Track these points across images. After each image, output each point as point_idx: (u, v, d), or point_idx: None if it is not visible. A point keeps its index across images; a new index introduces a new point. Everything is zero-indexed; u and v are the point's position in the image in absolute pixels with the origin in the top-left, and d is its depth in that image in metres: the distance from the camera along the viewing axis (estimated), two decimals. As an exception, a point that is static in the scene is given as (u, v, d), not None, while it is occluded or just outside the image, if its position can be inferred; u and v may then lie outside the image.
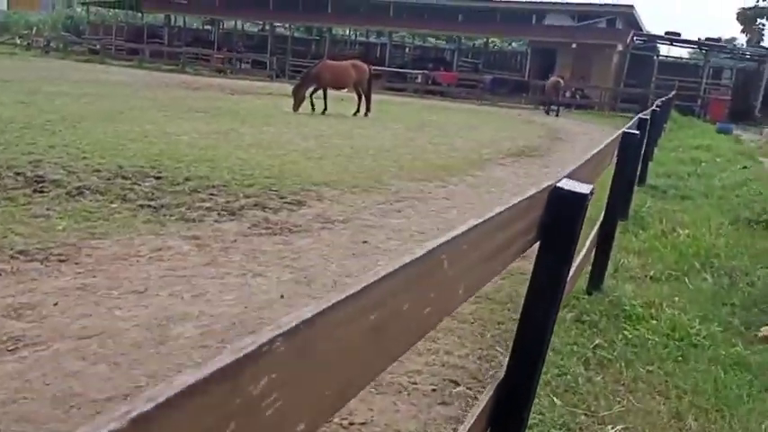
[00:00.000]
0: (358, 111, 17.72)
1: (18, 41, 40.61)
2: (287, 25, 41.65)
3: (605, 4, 31.85)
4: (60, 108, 12.67)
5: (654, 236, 6.25)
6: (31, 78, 19.08)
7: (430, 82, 32.81)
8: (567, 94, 29.76)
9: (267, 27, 40.69)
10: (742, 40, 40.18)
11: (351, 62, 18.83)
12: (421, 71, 32.81)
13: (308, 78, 17.22)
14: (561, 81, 26.08)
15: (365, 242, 5.57)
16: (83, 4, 43.44)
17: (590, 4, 32.14)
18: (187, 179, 7.48)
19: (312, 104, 17.12)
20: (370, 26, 39.45)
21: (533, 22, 33.14)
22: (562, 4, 32.70)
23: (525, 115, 24.14)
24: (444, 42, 44.29)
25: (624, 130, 6.99)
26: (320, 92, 17.33)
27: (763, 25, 39.18)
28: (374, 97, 28.48)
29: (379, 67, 34.36)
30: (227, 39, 41.04)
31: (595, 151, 3.36)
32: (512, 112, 25.46)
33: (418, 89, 32.12)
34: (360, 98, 17.87)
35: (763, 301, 4.27)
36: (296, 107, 16.68)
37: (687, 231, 6.39)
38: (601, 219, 4.61)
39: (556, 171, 8.89)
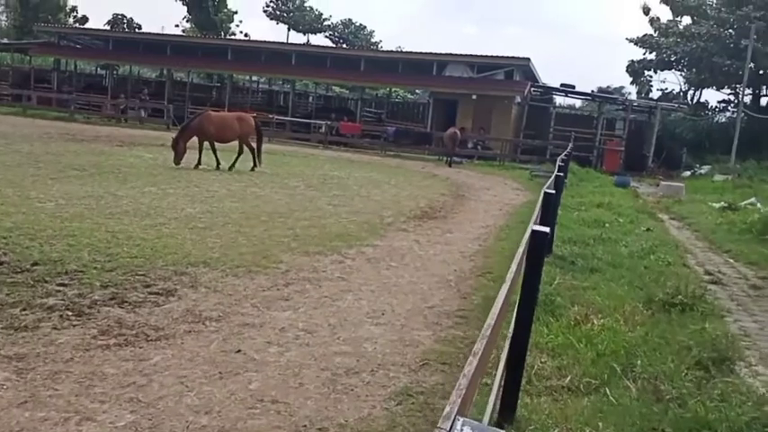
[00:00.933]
0: (255, 166, 16.81)
1: None
2: (186, 71, 40.30)
3: (503, 57, 32.72)
4: None
5: (567, 326, 5.69)
6: None
7: (334, 132, 32.33)
8: (470, 145, 30.07)
9: (165, 73, 39.17)
10: (632, 90, 42.42)
11: (236, 114, 17.93)
12: (324, 121, 32.29)
13: (187, 130, 16.14)
14: (458, 132, 26.29)
15: (239, 351, 4.65)
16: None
17: (489, 56, 32.92)
18: (36, 263, 6.33)
19: (199, 159, 16.11)
20: (271, 74, 38.75)
21: (434, 72, 33.52)
22: (462, 55, 33.31)
23: (429, 168, 23.97)
24: (348, 92, 44.26)
25: (545, 190, 6.55)
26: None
27: (651, 77, 41.51)
28: (278, 148, 27.90)
29: (283, 117, 33.73)
30: (122, 84, 39.12)
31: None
32: (415, 164, 25.27)
33: (322, 140, 31.54)
34: (252, 152, 16.98)
35: (696, 427, 3.70)
36: (177, 160, 15.64)
37: (602, 320, 5.88)
38: (511, 330, 3.92)
39: (458, 237, 8.28)
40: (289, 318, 5.50)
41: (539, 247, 3.67)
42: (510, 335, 3.73)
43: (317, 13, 66.50)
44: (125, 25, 58.53)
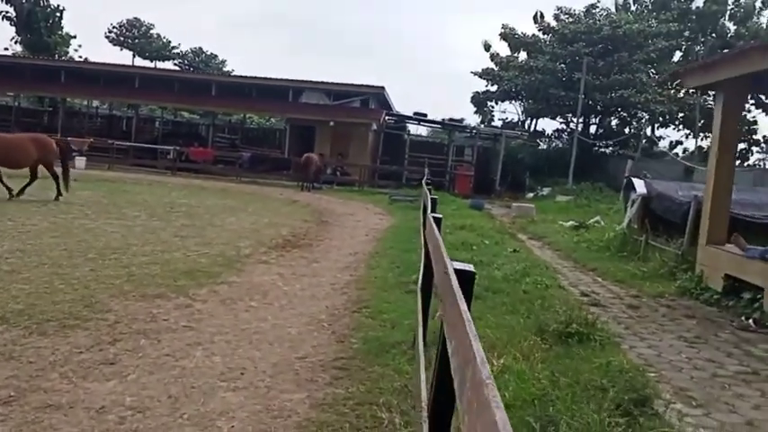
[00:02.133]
0: (59, 195, 14.32)
1: None
2: (11, 94, 36.14)
3: (359, 85, 32.50)
4: None
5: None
6: None
7: (183, 158, 30.22)
8: (329, 171, 29.30)
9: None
10: (476, 120, 43.93)
11: (30, 136, 15.21)
12: (172, 147, 30.09)
13: None
14: (314, 157, 25.58)
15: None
16: None
17: (345, 83, 32.54)
18: None
19: (7, 188, 13.70)
20: (112, 98, 35.79)
21: (290, 99, 32.49)
22: (318, 82, 32.60)
23: (288, 194, 22.76)
24: (199, 117, 42.01)
25: (432, 214, 5.66)
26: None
27: (493, 107, 43.32)
28: (119, 175, 25.37)
29: (125, 143, 31.07)
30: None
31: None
32: (274, 191, 23.95)
33: (170, 166, 29.33)
34: (56, 179, 14.39)
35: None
36: None
37: (500, 360, 5.04)
38: (431, 394, 2.89)
39: (326, 266, 7.20)
40: (112, 390, 4.10)
41: (466, 286, 2.69)
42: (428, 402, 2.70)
43: (164, 40, 63.14)
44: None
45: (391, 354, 5.15)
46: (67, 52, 49.91)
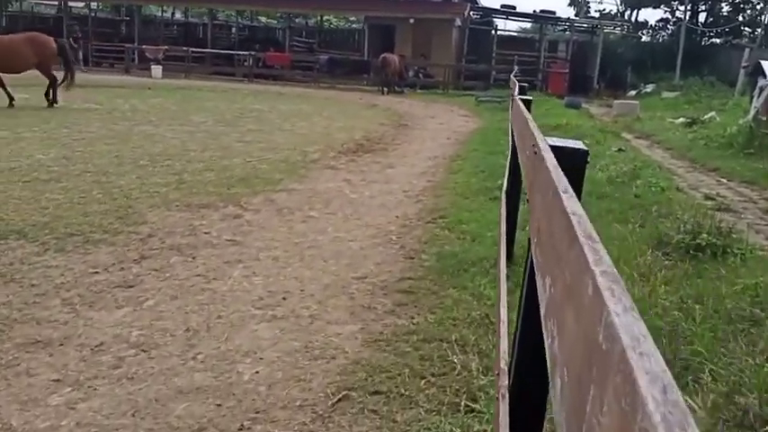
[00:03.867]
0: (53, 101, 13.15)
1: None
2: (90, 4, 36.02)
3: (440, -23, 30.10)
4: None
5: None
6: None
7: (260, 64, 29.43)
8: (411, 73, 27.70)
9: (61, 6, 34.89)
10: (569, 12, 40.46)
11: (26, 36, 13.76)
12: (249, 52, 29.29)
13: None
14: (391, 57, 24.03)
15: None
16: None
17: (425, -23, 30.21)
18: None
19: (9, 95, 12.66)
20: (186, 3, 35.04)
21: (368, -4, 30.60)
22: (397, -25, 30.42)
23: (367, 98, 21.56)
24: (276, 22, 40.80)
25: (516, 96, 4.44)
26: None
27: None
28: (195, 83, 24.89)
29: (202, 50, 30.52)
30: (13, 23, 34.68)
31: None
32: (353, 95, 22.79)
33: (247, 73, 28.64)
34: (51, 83, 13.18)
35: None
36: None
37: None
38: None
39: (401, 171, 6.14)
40: (120, 321, 3.29)
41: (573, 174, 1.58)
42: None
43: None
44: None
45: (470, 273, 4.11)
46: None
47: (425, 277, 4.12)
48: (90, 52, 30.34)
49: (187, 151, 8.63)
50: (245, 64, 29.67)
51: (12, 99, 12.63)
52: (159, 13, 39.21)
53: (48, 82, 13.22)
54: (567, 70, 29.40)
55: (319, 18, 37.12)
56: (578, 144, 1.66)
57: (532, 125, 2.23)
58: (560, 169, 1.22)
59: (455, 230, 5.26)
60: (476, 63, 29.62)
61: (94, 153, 8.10)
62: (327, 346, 3.10)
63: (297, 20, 36.64)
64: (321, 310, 3.56)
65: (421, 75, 28.69)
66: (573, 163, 1.54)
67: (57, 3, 35.63)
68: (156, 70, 27.22)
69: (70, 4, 34.72)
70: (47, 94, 13.09)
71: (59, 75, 13.48)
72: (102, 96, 16.38)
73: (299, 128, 12.14)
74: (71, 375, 2.71)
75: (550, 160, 1.35)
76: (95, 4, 35.55)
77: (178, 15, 40.68)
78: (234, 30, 37.89)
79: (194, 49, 29.97)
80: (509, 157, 5.08)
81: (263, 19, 41.50)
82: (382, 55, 24.07)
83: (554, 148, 1.54)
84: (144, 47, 29.96)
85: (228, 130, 11.05)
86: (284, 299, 3.70)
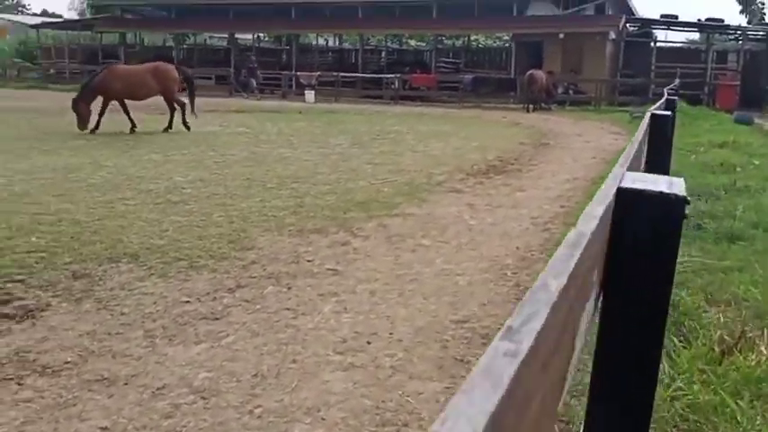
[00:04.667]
0: (169, 127, 13.62)
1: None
2: (254, 36, 38.62)
3: (593, -11, 28.73)
4: None
5: (706, 358, 3.00)
6: None
7: (407, 86, 29.75)
8: (560, 90, 26.57)
9: (229, 38, 37.67)
10: (741, 20, 36.86)
11: (150, 65, 14.57)
12: (394, 75, 29.74)
13: (89, 88, 13.23)
14: (538, 74, 23.13)
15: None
16: (32, 26, 40.34)
17: (576, -11, 29.00)
18: None
19: (97, 122, 13.09)
20: (336, 29, 36.38)
21: (514, 12, 29.89)
22: (545, -9, 29.49)
23: (512, 117, 20.87)
24: (425, 45, 41.23)
25: (652, 110, 3.80)
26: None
27: (763, 4, 35.96)
28: (343, 107, 25.62)
29: (353, 74, 31.45)
30: (191, 55, 37.95)
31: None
32: (496, 114, 22.21)
33: (393, 95, 29.04)
34: (171, 110, 13.71)
35: None
36: (81, 125, 12.83)
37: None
38: None
39: (533, 195, 5.61)
40: (192, 360, 3.11)
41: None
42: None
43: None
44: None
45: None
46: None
47: (535, 323, 3.58)
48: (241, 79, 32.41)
49: (315, 174, 8.63)
50: (392, 87, 30.15)
51: (134, 125, 13.30)
52: (315, 41, 41.09)
53: (178, 107, 13.79)
54: (738, 83, 26.70)
55: (467, 38, 36.94)
56: (674, 184, 1.12)
57: (630, 150, 1.70)
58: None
59: (580, 266, 4.63)
60: (632, 77, 27.79)
61: (229, 175, 8.32)
62: (402, 408, 2.69)
63: (445, 41, 36.73)
64: (406, 359, 3.16)
65: (571, 91, 27.44)
66: (661, 214, 1.04)
67: (226, 36, 38.50)
68: (310, 95, 28.37)
69: (237, 35, 37.40)
70: (184, 122, 13.62)
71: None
72: (255, 121, 17.20)
73: (431, 149, 11.85)
74: (120, 424, 2.54)
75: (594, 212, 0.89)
76: (260, 35, 38.03)
77: (332, 42, 42.39)
78: (383, 54, 38.74)
79: (344, 74, 30.98)
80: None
81: (413, 42, 42.09)
82: (528, 72, 23.30)
83: (626, 192, 1.04)
84: (299, 73, 31.48)
85: (360, 152, 11.01)
86: (369, 342, 3.35)
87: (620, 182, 1.06)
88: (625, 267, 1.05)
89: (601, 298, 1.06)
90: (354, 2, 33.00)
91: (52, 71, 37.54)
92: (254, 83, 30.34)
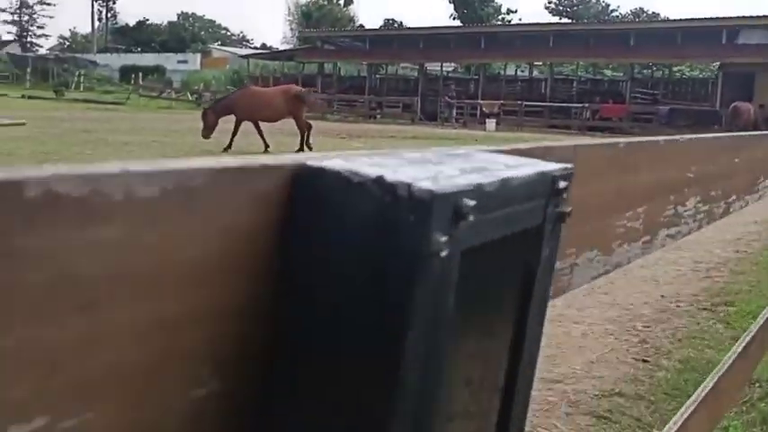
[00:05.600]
0: (300, 149, 13.48)
1: (190, 97, 42.51)
2: (447, 65, 39.32)
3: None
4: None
5: None
6: (121, 129, 17.92)
7: (596, 117, 28.27)
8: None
9: (419, 68, 38.66)
10: None
11: (281, 88, 14.87)
12: (582, 104, 28.44)
13: (221, 103, 13.95)
14: (744, 106, 20.60)
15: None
16: (242, 56, 44.63)
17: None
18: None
19: (230, 141, 13.28)
20: (527, 58, 35.60)
21: (723, 41, 27.08)
22: (759, 17, 26.34)
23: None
24: (622, 75, 39.07)
25: None
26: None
27: None
28: (523, 136, 24.85)
29: (539, 103, 30.60)
30: (382, 84, 39.61)
31: None
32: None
33: (581, 125, 27.70)
34: (302, 133, 13.72)
35: None
36: (205, 133, 13.36)
37: None
38: None
39: (707, 236, 4.72)
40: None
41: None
42: None
43: (603, 4, 60.81)
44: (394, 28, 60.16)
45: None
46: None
47: (644, 396, 2.82)
48: (439, 108, 32.87)
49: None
50: (581, 117, 28.83)
51: (267, 146, 13.49)
52: (503, 71, 40.85)
53: (304, 130, 13.87)
54: None
55: (668, 69, 34.30)
56: None
57: None
58: None
59: (733, 325, 3.69)
60: None
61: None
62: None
63: (644, 71, 34.45)
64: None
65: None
66: None
67: (417, 66, 39.64)
68: (491, 124, 28.01)
69: (427, 65, 38.34)
70: (308, 144, 13.73)
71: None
72: (426, 147, 17.16)
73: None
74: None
75: None
76: (448, 65, 38.58)
77: (522, 72, 41.79)
78: (575, 83, 37.28)
79: (528, 103, 30.22)
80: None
81: (609, 73, 40.10)
82: (733, 104, 20.91)
83: None
84: (482, 101, 31.29)
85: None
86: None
87: None
88: None
89: None
90: (546, 31, 32.26)
91: (257, 98, 41.20)
92: (454, 111, 30.82)
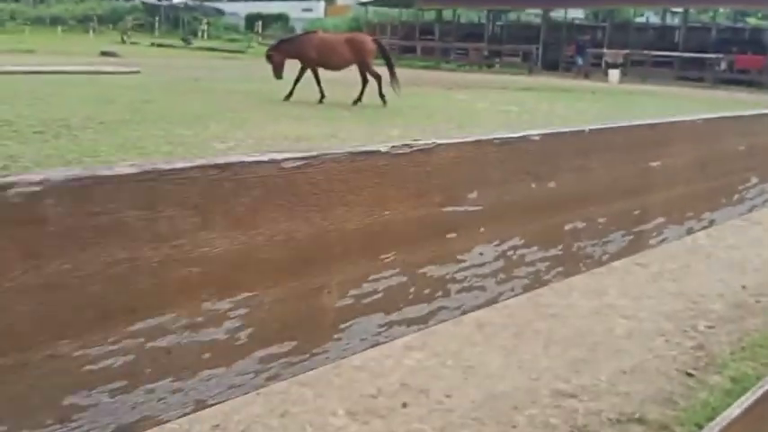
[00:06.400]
0: (359, 99, 13.00)
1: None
2: (573, 12, 37.06)
3: None
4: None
5: None
6: (217, 77, 18.32)
7: (734, 69, 25.72)
8: None
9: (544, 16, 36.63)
10: None
11: (346, 36, 14.25)
12: (718, 56, 25.90)
13: (284, 45, 13.48)
14: None
15: None
16: (360, 4, 44.21)
17: None
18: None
19: (291, 89, 12.94)
20: (661, 4, 32.70)
21: None
22: None
23: None
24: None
25: None
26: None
27: None
28: (648, 89, 22.90)
29: (668, 53, 28.16)
30: (504, 32, 38.07)
31: None
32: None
33: (715, 78, 25.27)
34: (364, 82, 13.10)
35: None
36: (277, 74, 13.28)
37: None
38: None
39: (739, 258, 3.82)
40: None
41: None
42: None
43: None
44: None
45: None
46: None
47: (669, 426, 2.34)
48: (562, 58, 31.04)
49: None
50: (717, 68, 26.25)
51: (323, 95, 13.06)
52: (633, 18, 37.89)
53: (373, 79, 13.14)
54: None
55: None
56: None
57: None
58: None
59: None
60: None
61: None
62: None
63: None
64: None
65: None
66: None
67: (540, 11, 37.64)
68: (614, 75, 26.11)
69: (551, 13, 36.27)
70: (380, 95, 13.03)
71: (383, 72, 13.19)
72: (533, 100, 16.22)
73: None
74: None
75: None
76: (575, 11, 36.30)
77: (654, 19, 38.57)
78: (713, 31, 33.88)
79: (655, 53, 27.85)
80: None
81: (752, 20, 36.07)
82: None
83: None
84: (605, 50, 29.23)
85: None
86: (404, 405, 2.51)
87: None
88: None
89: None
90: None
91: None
92: (580, 61, 29.07)
